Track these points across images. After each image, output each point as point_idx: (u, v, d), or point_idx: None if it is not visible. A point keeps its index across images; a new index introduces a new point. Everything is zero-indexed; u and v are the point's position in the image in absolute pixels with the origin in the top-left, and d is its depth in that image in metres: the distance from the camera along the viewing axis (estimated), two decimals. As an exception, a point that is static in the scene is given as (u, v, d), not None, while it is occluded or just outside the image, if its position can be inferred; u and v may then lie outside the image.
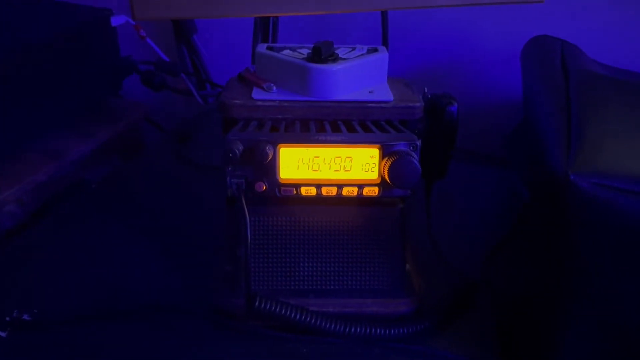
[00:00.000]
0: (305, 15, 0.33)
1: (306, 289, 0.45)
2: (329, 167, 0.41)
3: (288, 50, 0.48)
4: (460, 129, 0.47)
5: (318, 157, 0.41)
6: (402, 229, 0.46)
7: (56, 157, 0.61)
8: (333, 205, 0.44)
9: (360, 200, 0.43)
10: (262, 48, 0.49)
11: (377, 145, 0.41)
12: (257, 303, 0.40)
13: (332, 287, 0.45)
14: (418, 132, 0.46)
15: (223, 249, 0.48)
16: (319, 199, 0.43)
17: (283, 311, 0.41)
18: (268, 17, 0.64)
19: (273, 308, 0.41)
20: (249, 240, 0.40)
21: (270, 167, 0.41)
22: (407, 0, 0.32)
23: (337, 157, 0.41)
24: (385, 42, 0.65)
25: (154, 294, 0.49)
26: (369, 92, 0.46)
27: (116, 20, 0.64)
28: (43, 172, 0.60)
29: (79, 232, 0.57)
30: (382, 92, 0.46)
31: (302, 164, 0.41)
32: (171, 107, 0.84)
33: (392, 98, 0.45)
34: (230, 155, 0.39)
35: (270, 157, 0.40)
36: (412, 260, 0.49)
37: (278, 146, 0.41)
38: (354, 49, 0.49)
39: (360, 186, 0.42)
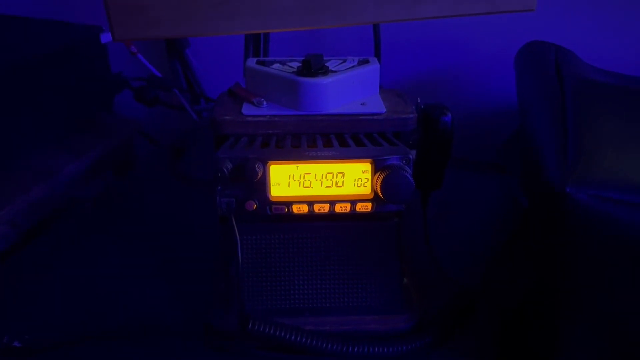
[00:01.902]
0: (295, 30, 0.32)
1: (302, 308, 0.44)
2: (321, 183, 0.41)
3: (278, 64, 0.47)
4: (457, 136, 0.46)
5: (309, 173, 0.40)
6: (398, 243, 0.45)
7: (48, 176, 0.61)
8: (327, 221, 0.44)
9: (354, 216, 0.43)
10: (251, 62, 0.48)
11: (369, 159, 0.40)
12: (250, 325, 0.39)
13: (328, 304, 0.44)
14: (412, 143, 0.46)
15: (217, 268, 0.47)
16: (311, 216, 0.42)
17: (277, 332, 0.40)
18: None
19: (267, 330, 0.40)
20: (240, 261, 0.39)
21: (260, 185, 0.40)
22: (393, 13, 0.32)
23: (328, 173, 0.40)
24: (377, 53, 0.65)
25: (147, 314, 0.48)
26: (361, 104, 0.46)
27: (106, 37, 0.64)
28: (35, 191, 0.59)
29: (72, 253, 0.56)
30: (374, 104, 0.45)
31: (293, 181, 0.40)
32: (166, 121, 0.83)
33: (384, 110, 0.44)
34: (219, 174, 0.38)
35: (260, 175, 0.39)
36: (410, 274, 0.48)
37: (268, 163, 0.40)
38: (344, 61, 0.48)
39: (353, 202, 0.41)
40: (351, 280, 0.45)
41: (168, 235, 0.59)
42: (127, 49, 0.70)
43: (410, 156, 0.40)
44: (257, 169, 0.39)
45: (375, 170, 0.40)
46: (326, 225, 0.44)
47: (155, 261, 0.55)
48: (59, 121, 0.64)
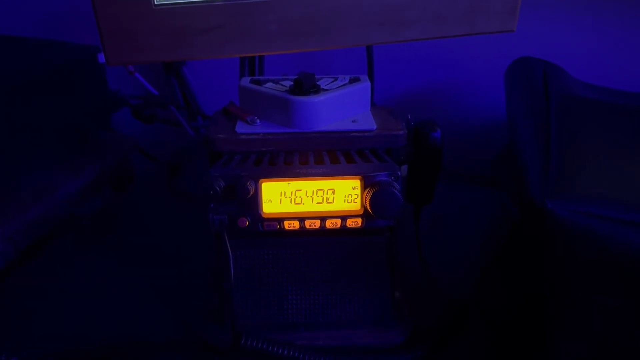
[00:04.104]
0: (283, 53, 0.33)
1: (295, 322, 0.45)
2: (312, 199, 0.41)
3: (271, 83, 0.49)
4: (451, 150, 0.47)
5: (300, 190, 0.41)
6: (389, 257, 0.46)
7: (46, 193, 0.61)
8: (319, 236, 0.44)
9: (345, 231, 0.43)
10: (245, 82, 0.49)
11: (359, 176, 0.41)
12: (242, 340, 0.40)
13: (321, 319, 0.45)
14: (403, 159, 0.47)
15: (211, 283, 0.48)
16: (302, 232, 0.42)
17: (270, 347, 0.40)
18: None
19: (260, 345, 0.40)
20: (232, 277, 0.40)
21: (252, 202, 0.41)
22: (377, 37, 0.33)
23: (319, 189, 0.41)
24: (370, 69, 0.65)
25: (142, 329, 0.48)
26: (352, 121, 0.46)
27: (104, 57, 0.65)
28: (34, 209, 0.59)
29: (69, 270, 0.57)
30: (365, 121, 0.46)
31: (284, 198, 0.41)
32: (164, 137, 0.84)
33: (375, 127, 0.45)
34: (212, 192, 0.39)
35: (251, 193, 0.40)
36: (402, 287, 0.49)
37: (260, 181, 0.41)
38: (336, 79, 0.49)
39: (344, 218, 0.42)
40: (343, 294, 0.45)
41: (164, 251, 0.59)
42: (124, 68, 0.71)
43: (399, 172, 0.41)
44: (248, 186, 0.39)
45: (365, 186, 0.41)
46: (318, 241, 0.45)
47: (151, 277, 0.55)
48: (58, 139, 0.64)
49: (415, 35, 0.33)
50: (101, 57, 0.65)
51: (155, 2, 0.30)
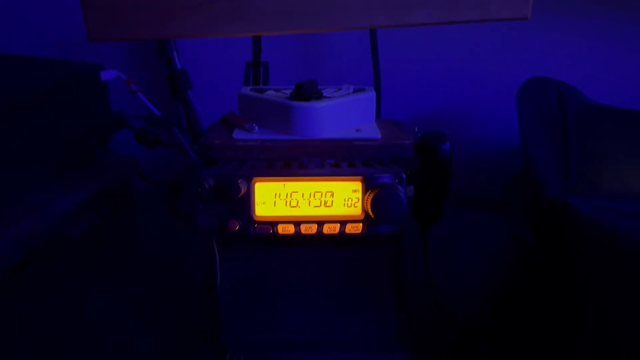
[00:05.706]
0: (280, 34, 0.32)
1: (289, 341, 0.41)
2: (309, 202, 0.38)
3: (272, 91, 0.47)
4: (461, 175, 0.44)
5: (296, 192, 0.38)
6: (393, 274, 0.42)
7: (40, 209, 0.60)
8: (317, 246, 0.41)
9: (346, 240, 0.40)
10: (245, 90, 0.47)
11: (360, 177, 0.38)
12: (228, 357, 0.36)
13: (318, 339, 0.41)
14: (409, 174, 0.44)
15: (204, 300, 0.44)
16: (298, 238, 0.39)
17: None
18: (258, 65, 0.64)
19: (247, 361, 0.37)
20: (218, 285, 0.37)
21: (244, 204, 0.38)
22: (383, 19, 0.31)
23: (317, 191, 0.38)
24: (377, 84, 0.64)
25: (135, 352, 0.45)
26: (356, 130, 0.44)
27: (106, 75, 0.64)
28: (25, 224, 0.58)
29: (58, 290, 0.55)
30: (370, 131, 0.44)
31: (279, 200, 0.38)
32: (165, 159, 0.83)
33: (379, 136, 0.43)
34: (200, 190, 0.36)
35: (243, 192, 0.37)
36: (408, 309, 0.45)
37: (253, 180, 0.38)
38: (340, 89, 0.47)
39: (343, 223, 0.38)
40: (343, 312, 0.42)
41: (157, 274, 0.57)
42: (127, 88, 0.70)
43: (403, 175, 0.38)
44: (240, 184, 0.37)
45: (366, 189, 0.38)
46: (316, 251, 0.41)
47: (142, 299, 0.53)
48: (56, 157, 0.63)
49: (422, 19, 0.31)
50: (104, 75, 0.64)
51: (143, -26, 0.28)
